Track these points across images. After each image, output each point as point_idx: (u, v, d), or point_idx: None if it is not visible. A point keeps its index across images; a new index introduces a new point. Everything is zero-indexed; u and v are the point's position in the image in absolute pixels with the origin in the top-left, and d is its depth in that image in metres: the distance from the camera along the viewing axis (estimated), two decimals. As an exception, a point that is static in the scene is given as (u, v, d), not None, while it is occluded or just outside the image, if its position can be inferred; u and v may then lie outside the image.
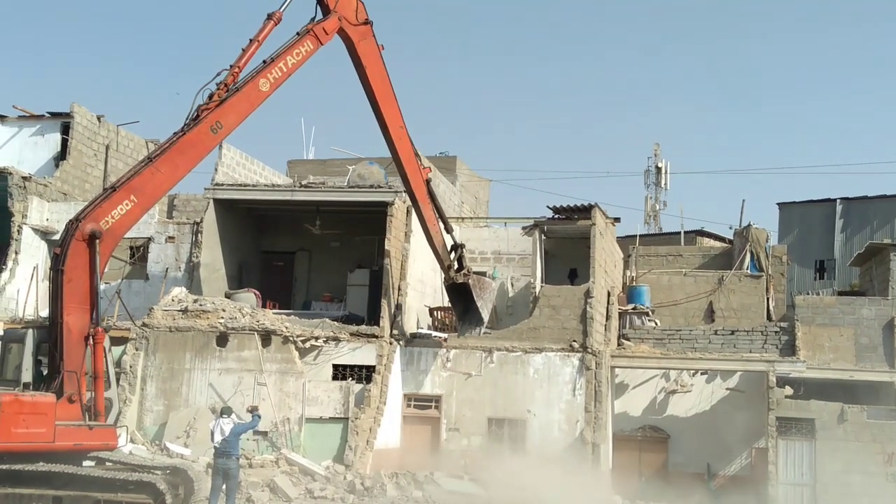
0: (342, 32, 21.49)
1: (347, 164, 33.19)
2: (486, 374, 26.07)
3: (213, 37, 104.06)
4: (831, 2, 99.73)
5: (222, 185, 28.57)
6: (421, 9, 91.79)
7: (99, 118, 33.23)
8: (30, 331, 17.52)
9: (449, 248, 25.54)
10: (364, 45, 22.03)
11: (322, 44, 20.82)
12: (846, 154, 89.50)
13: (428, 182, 24.67)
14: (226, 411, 19.83)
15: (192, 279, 27.91)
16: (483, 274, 30.39)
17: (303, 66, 20.43)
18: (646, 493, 27.12)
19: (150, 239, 28.77)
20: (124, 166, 32.93)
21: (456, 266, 25.55)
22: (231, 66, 19.30)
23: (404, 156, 23.68)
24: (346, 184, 29.33)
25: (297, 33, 20.51)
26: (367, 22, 21.96)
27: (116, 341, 23.54)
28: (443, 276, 26.09)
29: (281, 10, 20.26)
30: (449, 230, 25.62)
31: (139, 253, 29.14)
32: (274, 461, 23.99)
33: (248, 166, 31.01)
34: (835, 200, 42.28)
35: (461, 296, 25.74)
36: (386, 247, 26.30)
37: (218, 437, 18.84)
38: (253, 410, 20.11)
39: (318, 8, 21.06)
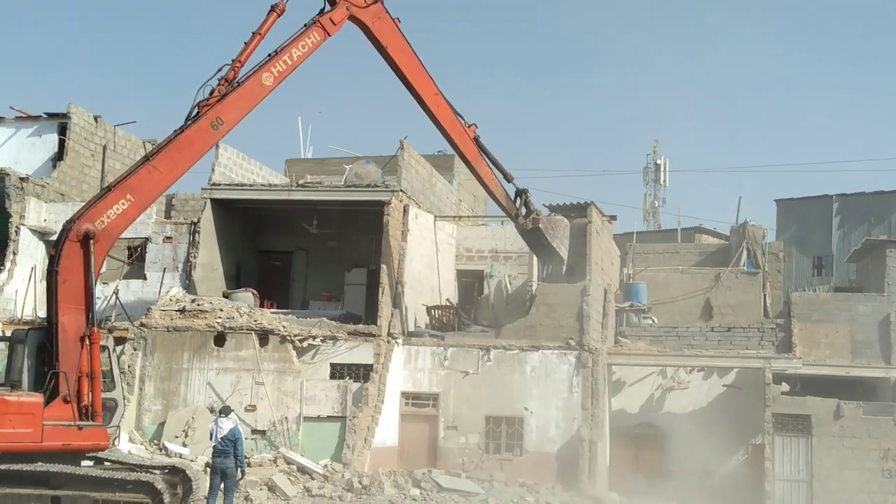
0: (353, 18, 21.18)
1: (345, 164, 33.21)
2: (483, 372, 26.13)
3: (213, 34, 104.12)
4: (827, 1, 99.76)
5: (219, 184, 28.60)
6: (416, 3, 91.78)
7: (96, 118, 33.18)
8: (29, 332, 17.57)
9: (513, 197, 25.75)
10: (379, 25, 21.69)
11: (330, 35, 20.44)
12: (844, 150, 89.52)
13: (476, 139, 24.65)
14: (224, 410, 19.90)
15: (189, 279, 27.95)
16: (480, 272, 30.64)
17: (309, 58, 20.14)
18: (643, 491, 27.18)
19: (147, 239, 28.77)
20: (121, 167, 32.90)
21: (524, 212, 25.77)
22: (233, 61, 19.00)
23: (446, 122, 23.72)
24: (343, 183, 29.37)
25: (305, 25, 20.23)
26: (376, 0, 21.67)
27: (115, 341, 23.56)
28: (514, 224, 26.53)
29: (284, 0, 19.93)
30: (509, 179, 25.75)
31: (137, 253, 29.16)
32: (272, 460, 24.07)
33: (245, 166, 31.03)
34: (832, 197, 42.41)
35: (537, 240, 26.16)
36: (383, 246, 26.33)
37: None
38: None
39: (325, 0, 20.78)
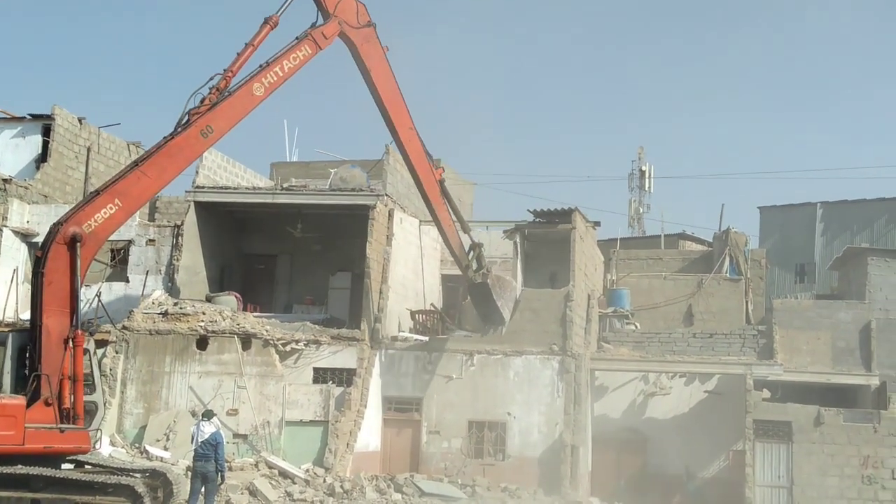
0: (343, 36, 21.32)
1: (330, 167, 33.20)
2: (466, 376, 26.19)
3: (201, 40, 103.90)
4: (813, 6, 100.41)
5: (203, 187, 28.55)
6: (401, 8, 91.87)
7: (80, 120, 33.04)
8: (10, 333, 17.48)
9: (467, 249, 25.64)
10: (367, 48, 21.82)
11: (321, 48, 20.53)
12: (827, 158, 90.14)
13: (441, 182, 24.57)
14: (207, 414, 19.90)
15: (172, 282, 27.88)
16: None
17: (300, 70, 20.23)
18: (624, 496, 27.31)
19: (130, 241, 28.65)
20: (105, 169, 32.85)
21: (475, 266, 25.63)
22: (225, 70, 19.02)
23: (415, 157, 23.65)
24: (328, 187, 29.36)
25: (297, 38, 20.31)
26: (369, 24, 21.77)
27: (96, 344, 23.48)
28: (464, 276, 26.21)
29: (278, 13, 19.94)
30: (466, 230, 25.76)
31: (120, 255, 29.05)
32: (253, 464, 24.03)
33: (229, 169, 30.99)
34: (815, 204, 42.69)
35: (482, 296, 25.85)
36: (367, 250, 26.36)
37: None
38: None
39: (319, 12, 20.85)
